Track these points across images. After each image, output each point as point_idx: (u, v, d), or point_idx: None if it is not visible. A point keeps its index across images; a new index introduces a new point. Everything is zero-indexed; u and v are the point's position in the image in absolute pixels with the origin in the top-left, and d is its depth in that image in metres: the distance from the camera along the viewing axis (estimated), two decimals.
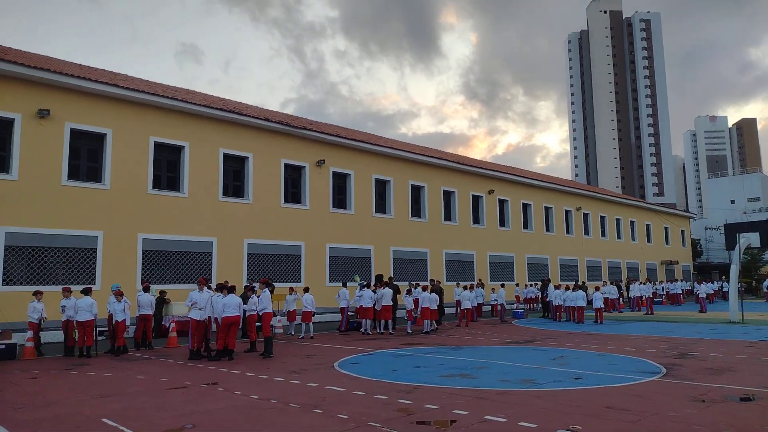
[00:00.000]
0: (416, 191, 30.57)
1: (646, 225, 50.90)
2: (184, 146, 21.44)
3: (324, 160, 25.67)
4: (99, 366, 11.38)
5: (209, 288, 13.75)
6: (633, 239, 48.77)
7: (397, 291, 19.49)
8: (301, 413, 6.77)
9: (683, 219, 58.40)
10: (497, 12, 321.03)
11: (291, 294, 18.28)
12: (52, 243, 17.87)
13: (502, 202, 35.94)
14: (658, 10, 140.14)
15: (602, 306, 22.81)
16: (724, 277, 43.29)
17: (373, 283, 20.66)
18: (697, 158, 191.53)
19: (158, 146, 20.88)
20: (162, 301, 17.96)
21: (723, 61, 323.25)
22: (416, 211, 30.32)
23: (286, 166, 24.69)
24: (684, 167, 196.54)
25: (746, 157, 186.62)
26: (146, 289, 15.23)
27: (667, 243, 53.96)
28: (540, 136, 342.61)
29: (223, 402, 7.53)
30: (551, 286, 24.90)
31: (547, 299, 24.97)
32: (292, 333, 17.69)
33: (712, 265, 62.12)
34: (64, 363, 11.93)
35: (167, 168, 21.42)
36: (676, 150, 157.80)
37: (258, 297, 13.17)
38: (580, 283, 28.79)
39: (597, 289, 23.73)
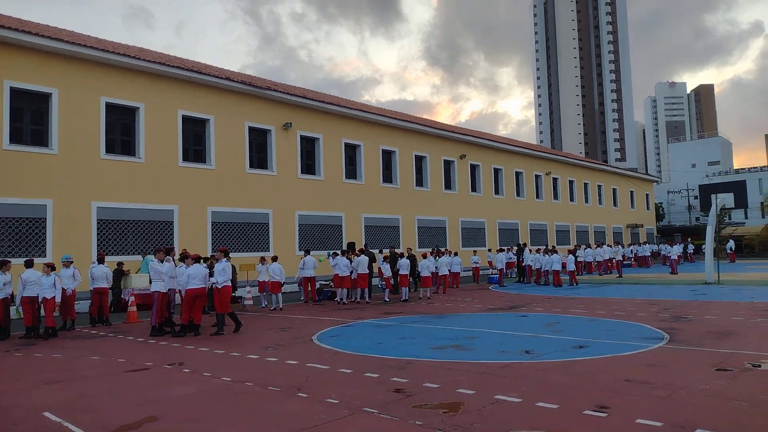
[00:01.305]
0: (387, 156, 29.55)
1: (613, 189, 51.26)
2: (138, 107, 19.83)
3: (291, 123, 24.34)
4: (48, 346, 10.20)
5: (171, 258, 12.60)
6: (600, 203, 49.07)
7: (372, 258, 18.63)
8: (282, 398, 5.87)
9: (648, 183, 59.11)
10: None
11: (261, 263, 17.11)
12: None
13: (473, 167, 35.29)
14: None
15: (575, 269, 22.55)
16: (690, 239, 44.00)
17: (344, 250, 19.65)
18: (656, 124, 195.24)
19: (111, 107, 19.24)
20: (120, 273, 16.69)
21: (680, 27, 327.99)
22: (387, 176, 29.36)
23: (251, 129, 23.29)
24: (644, 132, 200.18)
25: (704, 122, 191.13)
26: (101, 260, 13.93)
27: (632, 207, 54.58)
28: (502, 103, 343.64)
29: (190, 386, 6.56)
30: (527, 251, 24.48)
31: (523, 264, 24.60)
32: (265, 304, 16.63)
33: (674, 227, 63.42)
34: (8, 344, 10.71)
35: (121, 131, 19.82)
36: (636, 116, 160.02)
37: (218, 268, 11.98)
38: (551, 246, 28.65)
39: (571, 252, 23.39)
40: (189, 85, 21.22)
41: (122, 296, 16.75)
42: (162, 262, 11.65)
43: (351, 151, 27.66)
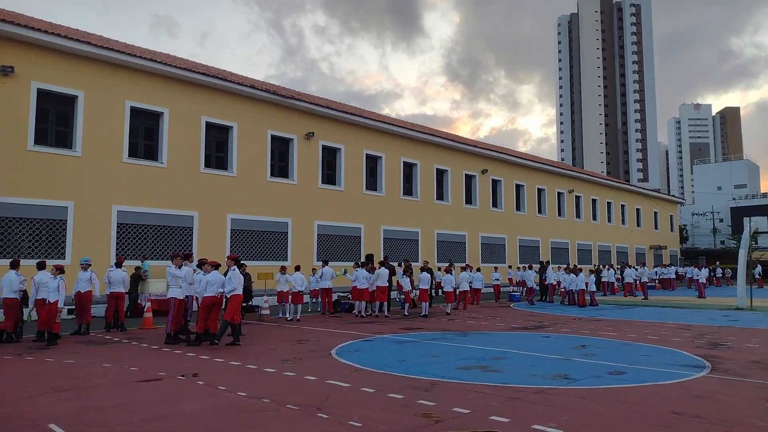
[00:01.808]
0: (408, 168, 29.23)
1: (636, 209, 50.28)
2: (163, 113, 19.80)
3: (313, 133, 24.16)
4: (60, 351, 9.95)
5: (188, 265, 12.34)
6: (623, 223, 48.13)
7: (392, 271, 18.21)
8: (301, 418, 5.48)
9: (672, 204, 57.95)
10: None
11: (282, 273, 16.68)
12: (17, 213, 16.25)
13: (495, 183, 34.81)
14: None
15: (595, 289, 21.89)
16: (717, 262, 42.84)
17: (363, 262, 19.26)
18: (680, 145, 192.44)
19: (135, 112, 19.22)
20: (137, 277, 16.52)
21: (704, 49, 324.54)
22: (408, 189, 29.02)
23: (273, 137, 23.15)
24: (667, 154, 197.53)
25: (728, 145, 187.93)
26: (119, 264, 13.74)
27: (656, 228, 53.48)
28: (522, 120, 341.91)
29: (203, 401, 6.20)
30: (550, 269, 23.85)
31: (546, 282, 23.96)
32: (281, 315, 16.24)
33: (699, 250, 62.01)
34: (21, 347, 10.49)
35: (145, 136, 19.79)
36: (660, 137, 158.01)
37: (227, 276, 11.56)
38: (572, 266, 27.97)
39: (593, 272, 22.71)
40: (213, 91, 21.17)
41: (139, 301, 16.58)
42: (179, 267, 11.37)
43: (372, 162, 27.40)
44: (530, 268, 24.24)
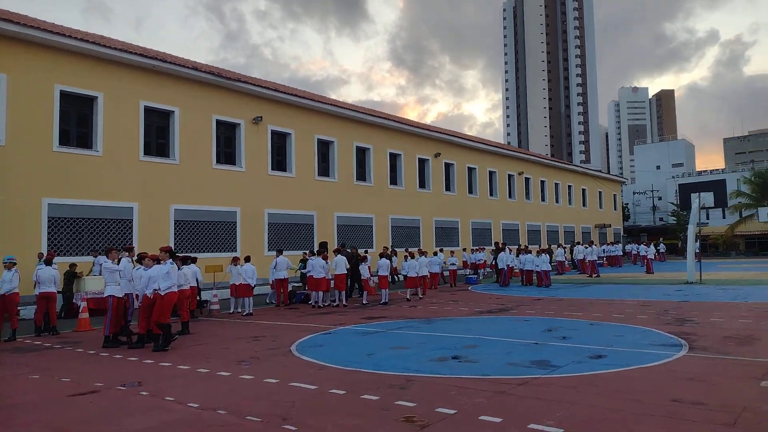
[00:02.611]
0: (361, 153, 28.47)
1: (582, 189, 51.35)
2: (97, 97, 18.25)
3: (261, 117, 23.02)
4: None
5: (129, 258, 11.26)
6: (570, 203, 49.05)
7: (350, 258, 17.46)
8: None
9: (615, 184, 59.58)
10: None
11: (233, 264, 15.48)
12: None
13: (447, 166, 34.52)
14: None
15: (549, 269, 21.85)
16: (661, 238, 44.32)
17: (316, 250, 18.39)
18: (619, 127, 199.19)
19: (65, 96, 17.63)
20: (72, 275, 15.17)
21: (640, 33, 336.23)
22: (361, 174, 28.28)
23: (219, 122, 21.88)
24: (607, 136, 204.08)
25: (664, 126, 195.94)
26: (48, 262, 12.44)
27: (600, 207, 54.85)
28: (467, 105, 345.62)
29: (149, 417, 5.35)
30: (507, 251, 23.68)
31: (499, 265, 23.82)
32: (233, 310, 15.21)
33: (640, 228, 64.19)
34: None
35: (77, 122, 18.22)
36: (600, 119, 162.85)
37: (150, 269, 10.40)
38: (525, 246, 28.02)
39: (545, 251, 22.69)
40: (152, 74, 19.72)
41: (74, 301, 15.24)
42: (116, 262, 10.28)
43: (324, 147, 26.48)
44: (503, 249, 23.76)
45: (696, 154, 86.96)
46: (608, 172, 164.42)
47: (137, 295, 10.27)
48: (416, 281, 17.53)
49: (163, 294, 9.53)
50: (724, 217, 59.18)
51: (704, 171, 74.41)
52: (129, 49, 19.39)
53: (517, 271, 23.09)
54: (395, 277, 22.91)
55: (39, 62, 16.90)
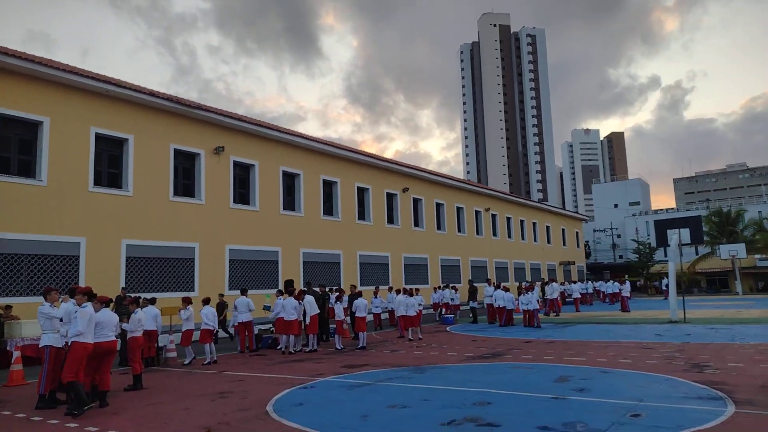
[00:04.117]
0: (328, 187, 27.37)
1: (546, 227, 51.49)
2: (42, 122, 16.70)
3: (223, 147, 21.73)
4: None
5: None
6: (535, 240, 48.99)
7: (317, 298, 16.03)
8: None
9: (577, 221, 60.22)
10: (376, 17, 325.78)
11: (186, 307, 13.32)
12: None
13: (416, 201, 33.77)
14: (542, 26, 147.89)
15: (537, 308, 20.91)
16: (626, 276, 44.34)
17: (281, 290, 16.85)
18: (573, 167, 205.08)
19: (6, 121, 16.02)
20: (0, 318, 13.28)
21: (586, 78, 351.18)
22: (328, 208, 27.11)
23: (177, 152, 20.48)
24: (561, 175, 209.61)
25: (616, 166, 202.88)
26: None
27: (564, 244, 55.08)
28: (423, 143, 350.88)
29: None
30: (491, 289, 22.61)
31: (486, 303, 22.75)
32: (190, 359, 13.13)
33: (603, 265, 64.70)
34: None
35: (19, 149, 16.56)
36: (555, 159, 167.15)
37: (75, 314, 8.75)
38: (527, 283, 27.10)
39: (529, 290, 21.79)
40: (105, 99, 18.31)
41: (8, 348, 13.29)
42: (53, 305, 8.69)
43: (289, 180, 25.27)
44: (531, 289, 21.69)
45: (652, 191, 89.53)
46: (567, 210, 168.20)
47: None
48: (411, 320, 16.48)
49: (71, 342, 7.89)
50: (681, 255, 60.46)
51: (660, 210, 76.36)
52: (79, 72, 17.93)
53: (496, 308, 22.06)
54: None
55: None
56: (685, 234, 21.14)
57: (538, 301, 21.11)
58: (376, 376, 9.98)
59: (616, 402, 7.07)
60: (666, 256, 60.25)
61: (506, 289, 21.47)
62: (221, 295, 17.92)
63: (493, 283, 22.71)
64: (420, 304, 21.00)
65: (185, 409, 7.77)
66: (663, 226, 21.96)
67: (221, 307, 17.08)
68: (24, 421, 7.42)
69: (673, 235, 20.76)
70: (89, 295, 8.27)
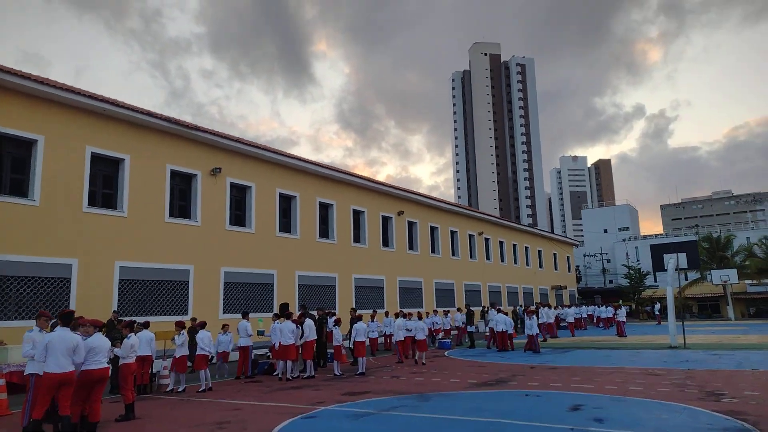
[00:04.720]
0: (324, 209, 27.14)
1: (538, 251, 51.47)
2: (36, 141, 16.40)
3: (220, 169, 21.50)
4: None
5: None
6: (527, 264, 48.92)
7: (316, 323, 15.68)
8: None
9: (568, 246, 60.31)
10: (368, 44, 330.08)
11: (179, 334, 12.54)
12: None
13: (411, 225, 33.60)
14: (531, 55, 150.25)
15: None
16: (621, 300, 44.21)
17: (276, 313, 16.40)
18: (561, 193, 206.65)
19: (0, 139, 15.67)
20: None
21: (571, 107, 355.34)
22: (324, 231, 26.84)
23: (173, 173, 20.21)
24: (550, 201, 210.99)
25: (603, 193, 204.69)
26: None
27: (555, 269, 55.05)
28: (413, 168, 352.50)
29: None
30: (493, 313, 22.29)
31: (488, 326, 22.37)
32: (181, 388, 12.37)
33: (594, 289, 64.68)
34: None
35: (11, 168, 16.22)
36: (544, 185, 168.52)
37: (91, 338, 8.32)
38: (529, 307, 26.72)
39: (533, 313, 21.51)
40: (101, 118, 18.07)
41: None
42: (42, 330, 8.25)
43: (285, 202, 25.01)
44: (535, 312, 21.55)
45: (640, 217, 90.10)
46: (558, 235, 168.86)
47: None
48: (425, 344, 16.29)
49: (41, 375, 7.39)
50: (678, 279, 60.51)
51: (649, 235, 76.79)
52: (75, 90, 17.69)
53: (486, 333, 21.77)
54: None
55: None
56: (682, 258, 21.08)
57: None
58: (380, 404, 9.61)
59: None
60: (656, 281, 60.48)
61: (505, 313, 21.20)
62: (193, 320, 16.89)
63: (498, 308, 22.40)
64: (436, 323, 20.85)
65: None
66: (659, 250, 21.89)
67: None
68: None
69: (670, 260, 20.67)
70: (66, 319, 7.80)
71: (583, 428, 7.22)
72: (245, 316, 15.48)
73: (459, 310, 27.31)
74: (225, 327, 15.23)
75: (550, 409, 8.65)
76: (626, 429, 7.10)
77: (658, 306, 42.07)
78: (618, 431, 7.03)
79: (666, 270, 20.64)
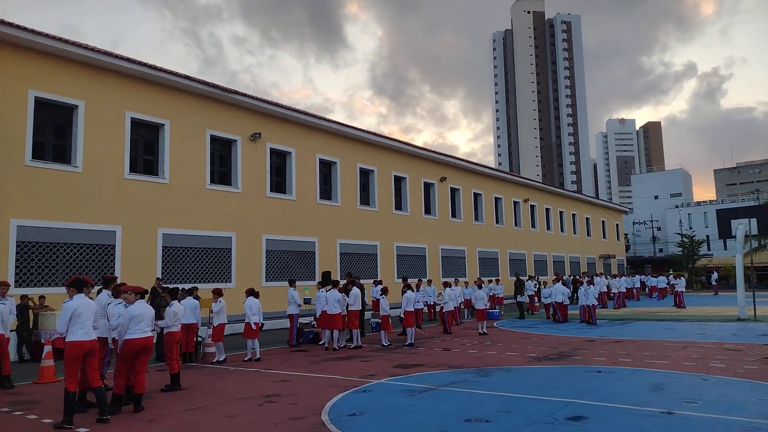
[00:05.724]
0: (365, 176, 26.47)
1: (586, 218, 49.69)
2: (77, 106, 16.17)
3: (260, 134, 21.00)
4: None
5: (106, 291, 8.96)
6: (575, 233, 47.31)
7: (363, 292, 15.18)
8: None
9: (617, 213, 58.09)
10: (401, 5, 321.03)
11: (216, 301, 12.20)
12: None
13: (453, 191, 32.61)
14: (576, 12, 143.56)
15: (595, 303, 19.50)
16: (671, 270, 42.38)
17: (319, 281, 15.91)
18: (608, 158, 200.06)
19: (41, 105, 15.53)
20: (23, 308, 12.69)
21: (617, 66, 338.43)
22: (365, 198, 26.23)
23: (213, 138, 19.81)
24: (595, 166, 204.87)
25: (651, 158, 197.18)
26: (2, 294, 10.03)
27: (603, 237, 53.17)
28: (449, 134, 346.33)
29: None
30: (531, 282, 21.46)
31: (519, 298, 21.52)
32: (222, 357, 11.98)
33: (643, 258, 62.49)
34: None
35: (54, 134, 16.06)
36: (590, 150, 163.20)
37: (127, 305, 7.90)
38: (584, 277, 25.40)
39: (582, 284, 20.53)
40: (139, 83, 17.72)
41: (41, 341, 12.75)
42: (72, 298, 7.80)
43: (326, 168, 24.43)
44: (555, 281, 21.17)
45: (693, 182, 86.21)
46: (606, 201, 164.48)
47: (115, 341, 7.97)
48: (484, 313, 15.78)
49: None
50: (725, 248, 57.79)
51: (703, 201, 73.37)
52: (113, 54, 17.31)
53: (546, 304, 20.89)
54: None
55: (11, 67, 14.77)
56: (753, 224, 19.58)
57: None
58: (435, 379, 9.01)
59: (746, 420, 5.96)
60: (710, 249, 57.89)
61: (564, 283, 20.26)
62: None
63: (561, 278, 21.49)
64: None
65: (229, 416, 6.91)
66: (726, 216, 20.42)
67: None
68: (49, 429, 6.62)
69: (739, 226, 19.19)
70: (77, 285, 7.34)
71: (676, 412, 6.39)
72: (292, 284, 15.05)
73: (497, 281, 26.26)
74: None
75: (629, 388, 7.86)
76: (727, 414, 6.26)
77: (715, 275, 40.10)
78: (717, 416, 6.19)
79: (734, 237, 19.19)
